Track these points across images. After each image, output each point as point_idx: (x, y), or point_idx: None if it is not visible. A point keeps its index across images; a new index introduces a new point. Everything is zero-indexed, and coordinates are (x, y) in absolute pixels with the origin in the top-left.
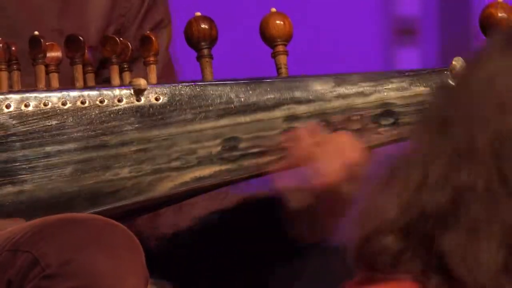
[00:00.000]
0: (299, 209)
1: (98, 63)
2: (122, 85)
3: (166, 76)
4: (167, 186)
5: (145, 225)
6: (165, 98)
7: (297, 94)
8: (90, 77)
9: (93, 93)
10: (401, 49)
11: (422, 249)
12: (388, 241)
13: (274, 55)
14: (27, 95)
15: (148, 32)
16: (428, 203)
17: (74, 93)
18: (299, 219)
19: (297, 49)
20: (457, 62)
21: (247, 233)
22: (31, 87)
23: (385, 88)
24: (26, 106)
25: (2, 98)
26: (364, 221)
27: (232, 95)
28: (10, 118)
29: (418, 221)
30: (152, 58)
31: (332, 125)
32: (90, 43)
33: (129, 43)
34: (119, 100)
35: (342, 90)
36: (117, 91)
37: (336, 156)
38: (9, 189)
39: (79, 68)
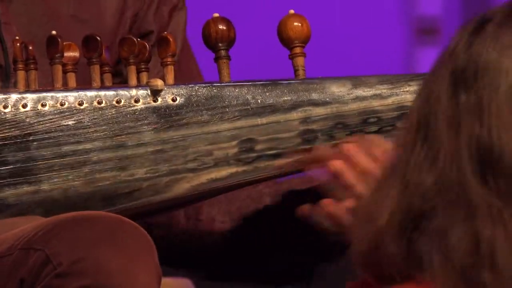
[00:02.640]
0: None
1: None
2: (139, 86)
3: (186, 60)
4: (183, 187)
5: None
6: (182, 99)
7: (314, 96)
8: (108, 77)
9: (110, 93)
10: (422, 49)
11: (408, 247)
12: (388, 246)
13: (291, 57)
14: (44, 94)
15: (165, 33)
16: (411, 201)
17: (90, 93)
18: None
19: (317, 48)
20: None
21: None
22: (49, 85)
23: (403, 91)
24: (42, 105)
25: (19, 97)
26: (363, 228)
27: (249, 97)
28: (26, 117)
29: (405, 220)
30: (169, 59)
31: (348, 127)
32: (107, 30)
33: (146, 44)
34: (136, 101)
35: (359, 92)
36: (134, 92)
37: None
38: (25, 188)
39: (96, 68)
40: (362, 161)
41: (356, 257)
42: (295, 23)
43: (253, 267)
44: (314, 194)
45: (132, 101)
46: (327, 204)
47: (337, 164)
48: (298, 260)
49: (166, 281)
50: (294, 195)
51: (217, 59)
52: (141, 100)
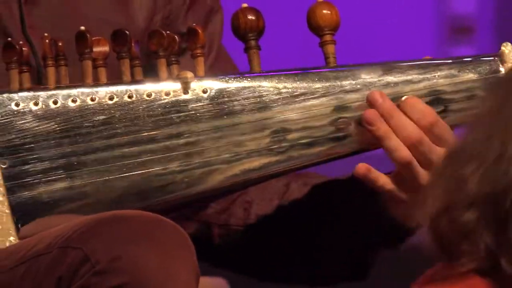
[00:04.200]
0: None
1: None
2: (169, 78)
3: (223, 64)
4: (216, 179)
5: (215, 218)
6: (213, 91)
7: (345, 83)
8: (138, 71)
9: (140, 87)
10: (456, 48)
11: (495, 223)
12: (462, 214)
13: (321, 45)
14: (74, 90)
15: (194, 24)
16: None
17: (121, 88)
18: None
19: (351, 46)
20: (506, 48)
21: (315, 223)
22: (80, 81)
23: (434, 76)
24: (73, 101)
25: (49, 94)
26: (441, 194)
27: (280, 86)
28: (57, 114)
29: (497, 194)
30: (199, 51)
31: None
32: (137, 32)
33: (176, 36)
34: (167, 94)
35: (390, 78)
36: (164, 85)
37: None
38: (59, 185)
39: (126, 62)
40: (409, 127)
41: (426, 219)
42: (324, 11)
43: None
44: (346, 185)
45: (163, 94)
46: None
47: (383, 128)
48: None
49: (202, 279)
50: (324, 187)
51: (247, 49)
52: (171, 93)
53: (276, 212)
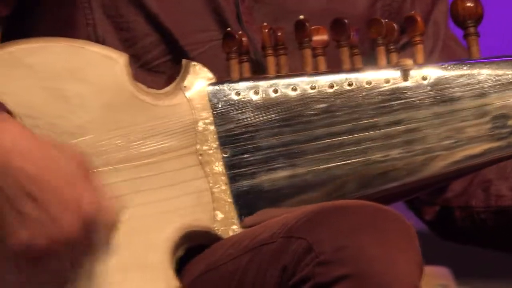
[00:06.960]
0: None
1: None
2: (388, 66)
3: (452, 48)
4: (438, 165)
5: (455, 201)
6: (432, 78)
7: None
8: (357, 59)
9: (360, 75)
10: None
11: None
12: None
13: None
14: (294, 79)
15: (413, 12)
16: None
17: (340, 76)
18: None
19: None
20: None
21: None
22: (299, 71)
23: None
24: (293, 90)
25: (269, 84)
26: None
27: (500, 72)
28: (277, 102)
29: None
30: (418, 38)
31: None
32: (358, 20)
33: (394, 24)
34: (386, 81)
35: None
36: (383, 72)
37: None
38: (280, 173)
39: (345, 51)
40: None
41: None
42: None
43: None
44: None
45: (383, 82)
46: None
47: None
48: None
49: (425, 268)
50: None
51: (466, 36)
52: (391, 81)
53: None
